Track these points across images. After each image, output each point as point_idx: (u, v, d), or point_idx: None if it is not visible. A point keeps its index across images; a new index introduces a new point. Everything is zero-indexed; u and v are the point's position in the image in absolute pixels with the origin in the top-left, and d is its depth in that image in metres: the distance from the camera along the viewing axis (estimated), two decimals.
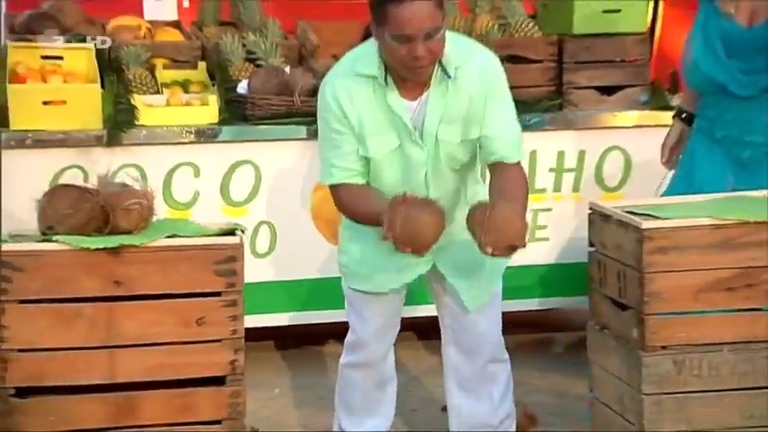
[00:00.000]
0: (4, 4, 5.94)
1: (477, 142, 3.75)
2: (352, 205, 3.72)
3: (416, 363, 5.31)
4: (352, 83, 3.69)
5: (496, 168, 3.72)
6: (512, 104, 3.78)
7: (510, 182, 3.67)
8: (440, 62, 3.64)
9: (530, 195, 3.90)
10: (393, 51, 3.56)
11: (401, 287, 4.00)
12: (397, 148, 3.72)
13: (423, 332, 5.42)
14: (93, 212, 3.57)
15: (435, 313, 4.13)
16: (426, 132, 3.70)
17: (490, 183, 3.73)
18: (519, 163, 3.75)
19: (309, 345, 5.63)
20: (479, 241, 3.41)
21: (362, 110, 3.68)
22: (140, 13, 6.01)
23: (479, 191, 3.93)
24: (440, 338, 4.14)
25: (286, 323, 5.28)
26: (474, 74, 3.68)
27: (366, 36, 3.75)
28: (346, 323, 4.13)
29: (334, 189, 3.75)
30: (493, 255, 3.44)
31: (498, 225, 3.38)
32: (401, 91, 3.69)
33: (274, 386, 5.13)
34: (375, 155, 3.72)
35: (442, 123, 3.69)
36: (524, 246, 3.45)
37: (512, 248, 3.43)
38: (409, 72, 3.62)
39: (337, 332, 4.92)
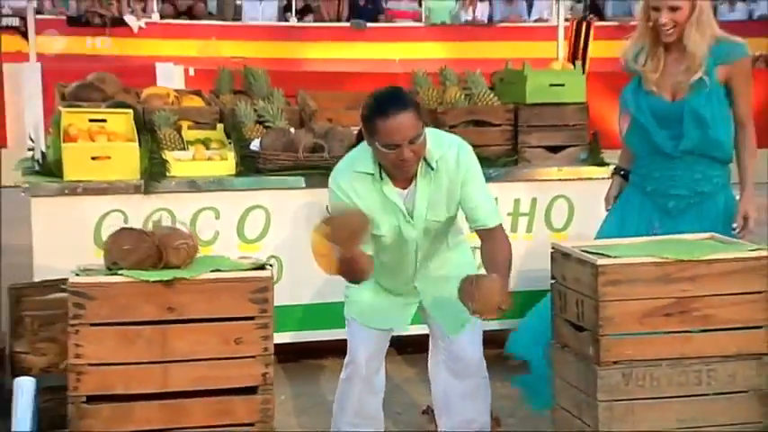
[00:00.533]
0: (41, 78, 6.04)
1: (456, 212, 3.86)
2: None
3: (398, 373, 5.32)
4: (351, 179, 3.79)
5: (483, 234, 3.85)
6: (485, 183, 3.87)
7: (496, 248, 3.80)
8: (423, 158, 3.73)
9: None
10: (384, 156, 3.66)
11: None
12: (397, 227, 3.83)
13: (401, 347, 5.47)
14: (150, 251, 3.60)
15: (412, 332, 4.19)
16: (417, 216, 3.81)
17: (481, 247, 3.86)
18: (500, 225, 3.86)
19: (308, 359, 5.63)
20: (469, 308, 3.56)
21: (365, 199, 3.77)
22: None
23: (460, 239, 4.06)
24: (417, 352, 4.17)
25: (288, 341, 5.31)
26: (451, 163, 3.77)
27: (360, 138, 3.84)
28: (339, 341, 4.17)
29: None
30: (482, 318, 3.60)
31: (483, 295, 3.53)
32: (394, 182, 3.78)
33: (280, 394, 5.13)
34: (381, 232, 3.83)
35: (429, 208, 3.80)
36: (509, 307, 3.58)
37: (499, 310, 3.56)
38: (398, 171, 3.72)
39: (333, 349, 4.98)
